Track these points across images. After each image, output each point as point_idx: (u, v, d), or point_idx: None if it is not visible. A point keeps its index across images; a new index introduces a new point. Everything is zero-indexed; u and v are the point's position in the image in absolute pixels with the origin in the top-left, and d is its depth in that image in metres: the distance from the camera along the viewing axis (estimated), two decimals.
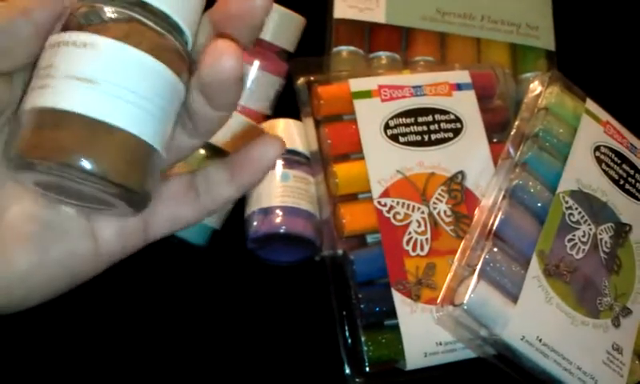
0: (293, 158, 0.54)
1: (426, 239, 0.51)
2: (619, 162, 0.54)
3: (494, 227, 0.49)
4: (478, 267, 0.47)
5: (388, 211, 0.51)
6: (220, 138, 0.51)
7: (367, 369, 0.49)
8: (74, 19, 0.30)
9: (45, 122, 0.28)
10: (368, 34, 0.60)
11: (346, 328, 0.50)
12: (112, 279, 0.51)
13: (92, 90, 0.28)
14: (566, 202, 0.51)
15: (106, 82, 0.29)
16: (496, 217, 0.49)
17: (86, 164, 0.28)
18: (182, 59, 0.31)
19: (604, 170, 0.53)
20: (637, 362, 0.51)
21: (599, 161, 0.53)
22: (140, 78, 0.29)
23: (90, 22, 0.30)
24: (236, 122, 0.52)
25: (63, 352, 0.50)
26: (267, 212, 0.52)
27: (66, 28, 0.30)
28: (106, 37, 0.29)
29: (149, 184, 0.30)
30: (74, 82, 0.28)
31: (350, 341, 0.50)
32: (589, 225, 0.51)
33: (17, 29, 0.29)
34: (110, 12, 0.30)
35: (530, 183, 0.50)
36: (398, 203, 0.51)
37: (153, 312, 0.52)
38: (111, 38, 0.29)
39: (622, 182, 0.54)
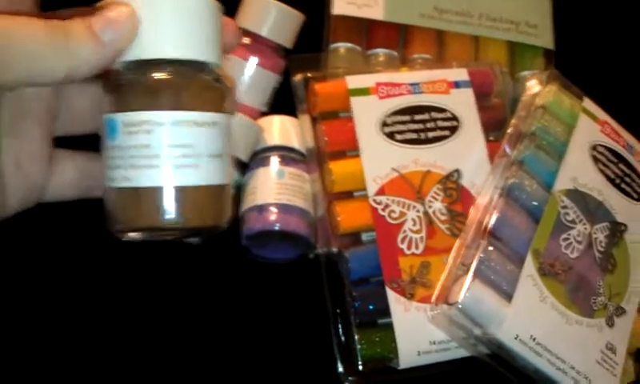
0: (288, 155, 0.54)
1: (421, 237, 0.51)
2: (616, 161, 0.54)
3: (490, 226, 0.49)
4: (473, 266, 0.47)
5: (383, 209, 0.51)
6: None
7: (360, 367, 0.49)
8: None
9: (143, 196, 0.34)
10: (366, 31, 0.60)
11: (340, 326, 0.50)
12: (108, 276, 0.52)
13: (191, 163, 0.34)
14: (562, 201, 0.51)
15: (197, 153, 0.34)
16: (491, 215, 0.49)
17: (179, 222, 0.34)
18: (224, 90, 0.36)
19: (600, 169, 0.53)
20: (630, 361, 0.51)
21: (596, 160, 0.53)
22: (213, 138, 0.35)
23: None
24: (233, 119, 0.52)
25: (56, 351, 0.50)
26: (262, 209, 0.52)
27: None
28: (198, 111, 0.34)
29: (224, 215, 0.37)
30: (174, 160, 0.34)
31: (343, 339, 0.50)
32: (584, 224, 0.51)
33: (84, 51, 0.32)
34: (162, 75, 0.34)
35: (526, 182, 0.50)
36: (393, 201, 0.51)
37: (148, 308, 0.52)
38: (203, 111, 0.34)
39: (618, 182, 0.54)
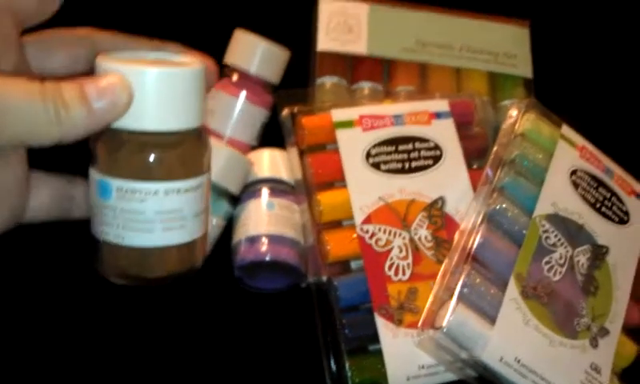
0: (278, 187, 0.56)
1: (408, 264, 0.52)
2: (595, 185, 0.56)
3: (473, 251, 0.50)
4: (457, 290, 0.48)
5: (370, 237, 0.52)
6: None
7: None
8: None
9: (132, 252, 0.38)
10: (351, 65, 0.62)
11: (331, 354, 0.51)
12: (96, 306, 0.53)
13: (178, 225, 0.38)
14: (543, 226, 0.52)
15: (184, 216, 0.38)
16: (474, 241, 0.50)
17: (164, 274, 0.39)
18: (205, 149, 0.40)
19: (580, 194, 0.55)
20: (616, 381, 0.52)
21: (575, 185, 0.55)
22: (197, 199, 0.39)
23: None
24: (224, 153, 0.54)
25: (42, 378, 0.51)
26: (253, 240, 0.54)
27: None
28: (186, 179, 0.38)
29: (200, 256, 0.41)
30: (164, 224, 0.37)
31: (334, 367, 0.51)
32: (565, 247, 0.52)
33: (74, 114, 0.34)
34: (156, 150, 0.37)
35: (508, 207, 0.52)
36: (379, 229, 0.52)
37: (138, 339, 0.53)
38: (189, 178, 0.38)
39: (598, 205, 0.55)
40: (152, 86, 0.36)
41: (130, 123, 0.36)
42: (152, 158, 0.37)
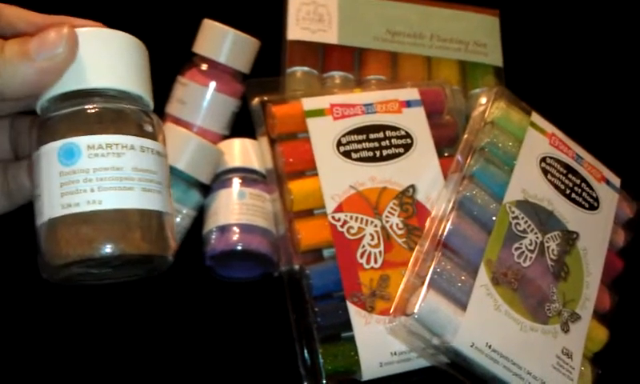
0: (249, 177, 0.56)
1: (380, 252, 0.52)
2: (565, 172, 0.56)
3: (443, 237, 0.50)
4: (428, 277, 0.48)
5: (342, 226, 0.52)
6: (179, 161, 0.52)
7: (324, 381, 0.50)
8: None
9: (76, 224, 0.34)
10: (322, 55, 0.62)
11: (304, 342, 0.51)
12: (71, 299, 0.52)
13: (154, 188, 0.35)
14: (512, 212, 0.52)
15: (158, 180, 0.36)
16: (445, 227, 0.51)
17: (114, 250, 0.34)
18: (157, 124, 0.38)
19: (550, 180, 0.55)
20: (587, 366, 0.53)
21: (545, 171, 0.55)
22: (164, 167, 0.37)
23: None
24: (193, 143, 0.53)
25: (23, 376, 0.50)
26: (224, 229, 0.53)
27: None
28: (127, 135, 0.35)
29: (165, 244, 0.36)
30: (138, 183, 0.35)
31: (307, 355, 0.51)
32: (535, 233, 0.53)
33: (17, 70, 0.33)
34: (95, 108, 0.35)
35: (478, 194, 0.52)
36: (351, 217, 0.52)
37: (110, 330, 0.52)
38: (132, 136, 0.35)
39: (568, 192, 0.56)
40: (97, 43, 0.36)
41: (75, 83, 0.35)
42: (126, 116, 0.36)
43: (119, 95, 0.36)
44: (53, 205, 0.34)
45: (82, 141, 0.34)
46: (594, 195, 0.57)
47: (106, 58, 0.36)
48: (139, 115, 0.36)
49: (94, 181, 0.34)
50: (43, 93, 0.35)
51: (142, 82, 0.37)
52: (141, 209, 0.35)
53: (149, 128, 0.37)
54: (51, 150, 0.34)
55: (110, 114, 0.35)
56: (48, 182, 0.34)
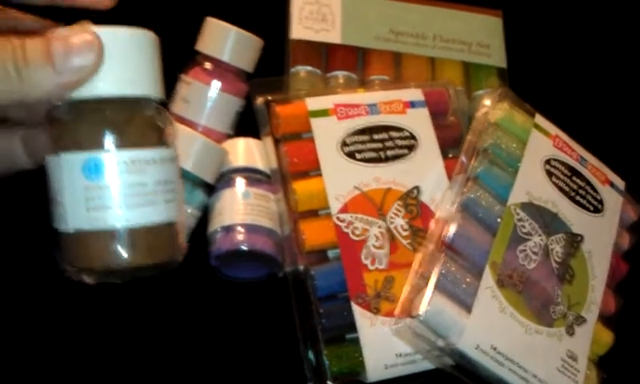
0: (253, 176, 0.55)
1: (384, 253, 0.52)
2: (569, 174, 0.56)
3: (448, 239, 0.50)
4: (433, 279, 0.48)
5: (346, 226, 0.52)
6: (184, 161, 0.52)
7: (329, 383, 0.49)
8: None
9: (102, 239, 0.35)
10: (325, 54, 0.61)
11: (309, 343, 0.51)
12: (76, 300, 0.52)
13: (148, 201, 0.35)
14: (517, 214, 0.52)
15: (153, 191, 0.36)
16: (449, 229, 0.50)
17: (139, 262, 0.36)
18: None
19: (554, 183, 0.55)
20: (593, 369, 0.53)
21: (549, 173, 0.55)
22: (166, 173, 0.37)
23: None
24: (199, 143, 0.53)
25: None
26: (229, 229, 0.53)
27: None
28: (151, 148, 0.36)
29: (179, 248, 0.38)
30: (133, 199, 0.35)
31: (312, 356, 0.50)
32: (540, 236, 0.53)
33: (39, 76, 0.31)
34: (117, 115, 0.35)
35: (482, 196, 0.52)
36: (356, 218, 0.52)
37: (116, 329, 0.52)
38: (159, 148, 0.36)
39: (572, 194, 0.55)
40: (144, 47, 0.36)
41: (109, 89, 0.34)
42: (143, 121, 0.36)
43: (141, 100, 0.36)
44: (78, 216, 0.35)
45: (107, 158, 0.34)
46: (599, 198, 0.57)
47: (128, 61, 0.35)
48: (158, 119, 0.37)
49: (120, 197, 0.34)
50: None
51: (159, 81, 0.37)
52: (164, 222, 0.36)
53: (167, 132, 0.37)
54: (74, 162, 0.35)
55: (132, 122, 0.35)
56: (71, 192, 0.35)
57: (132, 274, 0.37)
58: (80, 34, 0.32)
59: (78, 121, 0.35)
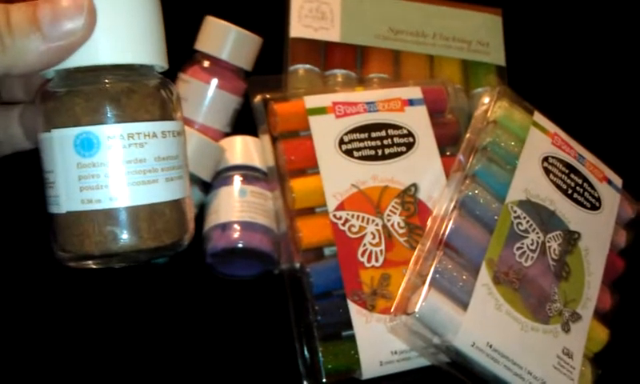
0: (250, 174, 0.56)
1: (381, 250, 0.52)
2: (567, 172, 0.56)
3: (445, 237, 0.50)
4: (429, 276, 0.48)
5: (343, 224, 0.52)
6: None
7: (324, 380, 0.49)
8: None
9: (97, 220, 0.32)
10: (324, 53, 0.62)
11: (304, 340, 0.51)
12: (70, 295, 0.52)
13: (147, 179, 0.32)
14: (514, 212, 0.52)
15: (153, 168, 0.33)
16: (446, 227, 0.50)
17: (138, 245, 0.32)
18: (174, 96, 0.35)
19: (552, 180, 0.55)
20: (589, 366, 0.53)
21: (547, 171, 0.55)
22: (168, 148, 0.33)
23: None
24: (194, 140, 0.53)
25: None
26: (225, 227, 0.53)
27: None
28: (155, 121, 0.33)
29: (185, 229, 0.35)
30: (132, 176, 0.32)
31: (307, 353, 0.51)
32: (537, 233, 0.53)
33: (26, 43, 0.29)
34: (113, 86, 0.32)
35: (480, 194, 0.52)
36: (352, 216, 0.52)
37: (111, 327, 0.52)
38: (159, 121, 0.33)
39: (570, 192, 0.55)
40: (112, 11, 0.31)
41: (107, 56, 0.31)
42: (145, 92, 0.32)
43: (139, 68, 0.33)
44: (71, 197, 0.32)
45: (101, 131, 0.31)
46: (596, 195, 0.57)
47: (124, 26, 0.32)
48: (159, 89, 0.34)
49: (116, 175, 0.31)
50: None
51: (162, 48, 0.34)
52: (165, 201, 0.33)
53: (169, 103, 0.34)
54: (66, 137, 0.32)
55: (129, 93, 0.32)
56: (64, 170, 0.32)
57: (132, 258, 0.34)
58: None
59: (73, 93, 0.32)
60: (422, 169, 0.55)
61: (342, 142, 0.54)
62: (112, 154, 0.31)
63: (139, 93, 0.32)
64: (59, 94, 0.32)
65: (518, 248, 0.51)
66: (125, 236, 0.32)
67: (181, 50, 0.58)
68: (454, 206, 0.52)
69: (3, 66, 0.29)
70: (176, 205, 0.34)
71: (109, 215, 0.32)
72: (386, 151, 0.55)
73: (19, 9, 0.28)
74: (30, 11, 0.28)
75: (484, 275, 0.49)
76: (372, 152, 0.54)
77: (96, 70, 0.32)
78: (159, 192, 0.32)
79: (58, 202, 0.32)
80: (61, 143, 0.32)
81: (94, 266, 0.34)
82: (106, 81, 0.32)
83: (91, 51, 0.31)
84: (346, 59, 0.61)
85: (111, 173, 0.31)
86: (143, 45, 0.33)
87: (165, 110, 0.33)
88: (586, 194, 0.56)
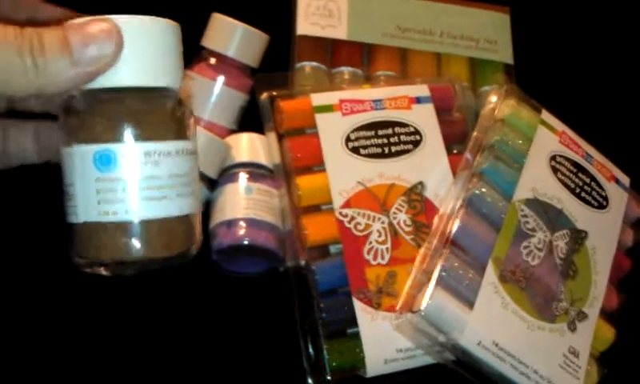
0: (256, 171, 0.56)
1: (387, 248, 0.52)
2: (575, 170, 0.56)
3: (451, 235, 0.50)
4: (435, 274, 0.48)
5: (349, 222, 0.52)
6: None
7: (328, 377, 0.49)
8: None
9: (112, 231, 0.34)
10: (331, 50, 0.61)
11: (309, 338, 0.51)
12: (78, 295, 0.53)
13: (161, 195, 0.35)
14: (522, 210, 0.52)
15: (167, 185, 0.35)
16: (453, 225, 0.50)
17: (150, 255, 0.35)
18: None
19: (559, 179, 0.55)
20: (595, 365, 0.53)
21: (555, 170, 0.55)
22: (182, 166, 0.36)
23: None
24: (200, 137, 0.53)
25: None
26: (231, 224, 0.53)
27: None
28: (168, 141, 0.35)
29: (193, 240, 0.38)
30: (146, 192, 0.34)
31: (312, 350, 0.50)
32: (544, 232, 0.52)
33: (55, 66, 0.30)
34: (133, 107, 0.34)
35: (487, 192, 0.52)
36: (358, 214, 0.52)
37: (117, 324, 0.52)
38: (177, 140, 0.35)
39: (577, 190, 0.55)
40: (137, 37, 0.33)
41: (130, 79, 0.34)
42: (163, 113, 0.35)
43: (158, 90, 0.35)
44: (88, 208, 0.34)
45: (120, 149, 0.34)
46: (604, 194, 0.57)
47: (146, 51, 0.34)
48: (176, 110, 0.36)
49: (132, 191, 0.34)
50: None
51: (180, 72, 0.36)
52: (177, 216, 0.35)
53: (184, 123, 0.36)
54: (86, 153, 0.34)
55: (148, 114, 0.35)
56: (82, 184, 0.34)
57: (143, 266, 0.37)
58: (98, 23, 0.31)
59: (95, 112, 0.34)
60: (429, 167, 0.55)
61: (348, 139, 0.54)
62: (129, 171, 0.34)
63: (157, 114, 0.35)
64: (82, 112, 0.34)
65: (525, 247, 0.51)
66: (137, 246, 0.35)
67: (187, 46, 0.58)
68: (461, 204, 0.51)
69: (36, 86, 0.30)
70: (186, 219, 0.36)
71: (123, 227, 0.34)
72: (393, 149, 0.55)
73: (51, 33, 0.30)
74: (62, 36, 0.30)
75: (490, 274, 0.49)
76: (379, 150, 0.54)
77: (118, 90, 0.34)
78: (171, 207, 0.35)
79: (77, 213, 0.35)
80: (81, 158, 0.34)
81: (107, 274, 0.36)
82: (127, 101, 0.34)
83: (114, 73, 0.33)
84: (353, 57, 0.61)
85: (127, 188, 0.34)
86: (162, 68, 0.35)
87: (180, 130, 0.36)
88: (593, 192, 0.56)
